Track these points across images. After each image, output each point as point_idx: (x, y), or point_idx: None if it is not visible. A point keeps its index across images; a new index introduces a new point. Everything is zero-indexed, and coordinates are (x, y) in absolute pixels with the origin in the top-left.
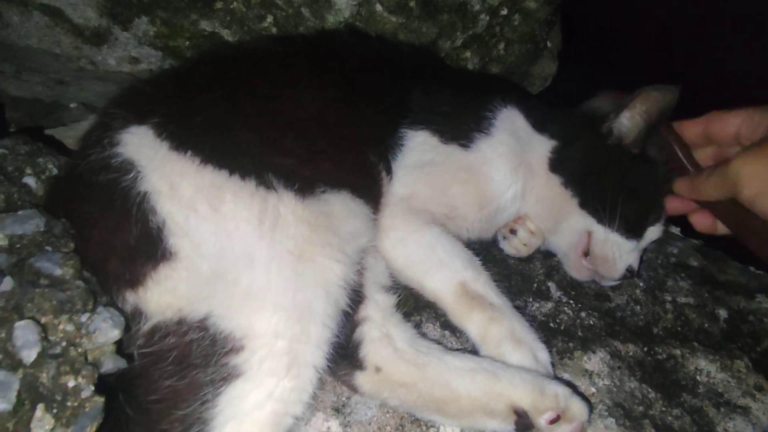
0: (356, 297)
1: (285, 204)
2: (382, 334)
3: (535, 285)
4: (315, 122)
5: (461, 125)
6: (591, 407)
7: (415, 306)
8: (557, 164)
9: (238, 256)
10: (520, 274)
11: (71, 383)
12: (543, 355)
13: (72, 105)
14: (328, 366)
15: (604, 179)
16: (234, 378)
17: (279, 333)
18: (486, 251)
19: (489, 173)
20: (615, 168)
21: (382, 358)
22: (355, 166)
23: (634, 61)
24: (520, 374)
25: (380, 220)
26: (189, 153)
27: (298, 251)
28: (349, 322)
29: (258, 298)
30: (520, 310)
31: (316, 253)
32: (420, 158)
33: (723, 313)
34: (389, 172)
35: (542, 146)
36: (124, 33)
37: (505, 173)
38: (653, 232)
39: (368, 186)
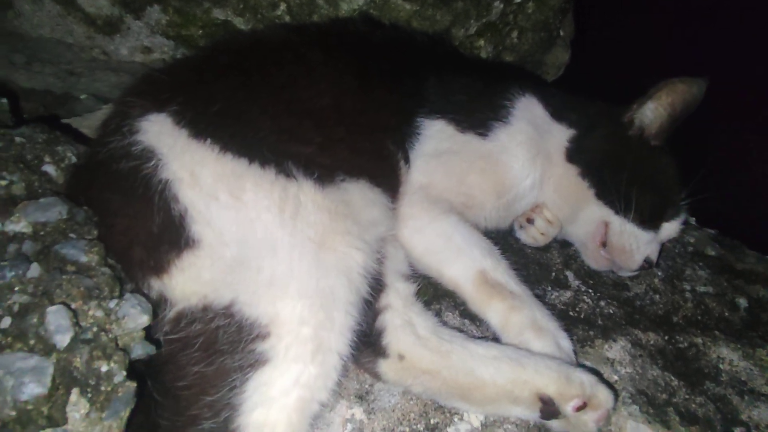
0: (377, 285)
1: (305, 192)
2: (404, 321)
3: (553, 274)
4: (332, 111)
5: (478, 113)
6: (617, 395)
7: (434, 295)
8: (575, 154)
9: (261, 243)
10: (537, 263)
11: (104, 368)
12: (565, 342)
13: (82, 96)
14: (351, 353)
15: (622, 170)
16: (261, 364)
17: (304, 320)
18: (503, 240)
19: (507, 162)
20: (633, 159)
21: (405, 345)
22: (373, 155)
23: (649, 51)
24: (545, 362)
25: (399, 208)
26: (208, 141)
27: (319, 239)
28: (370, 310)
29: (282, 285)
30: (540, 298)
31: (337, 241)
32: (437, 147)
33: (743, 302)
34: (407, 161)
35: (560, 135)
36: (137, 22)
37: (523, 162)
38: (671, 228)
39: (386, 175)
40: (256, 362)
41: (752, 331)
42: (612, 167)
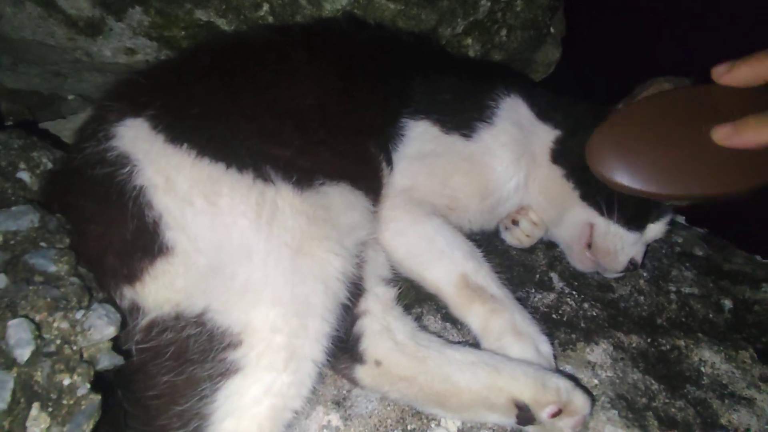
0: (356, 290)
1: (283, 197)
2: (383, 327)
3: (538, 276)
4: (313, 112)
5: (463, 114)
6: (593, 400)
7: (416, 298)
8: (559, 155)
9: (236, 250)
10: (522, 265)
11: (66, 381)
12: (545, 347)
13: (70, 97)
14: (328, 360)
15: None
16: (232, 373)
17: (277, 327)
18: (488, 242)
19: (491, 163)
20: None
21: (382, 351)
22: (354, 157)
23: (641, 48)
24: (522, 367)
25: (380, 211)
26: (185, 146)
27: (296, 245)
28: (348, 315)
29: (256, 293)
30: (522, 301)
31: (315, 246)
32: (421, 148)
33: (728, 304)
34: (390, 163)
35: (546, 136)
36: (119, 23)
37: (507, 164)
38: (657, 229)
39: (368, 177)
40: (227, 371)
41: (736, 333)
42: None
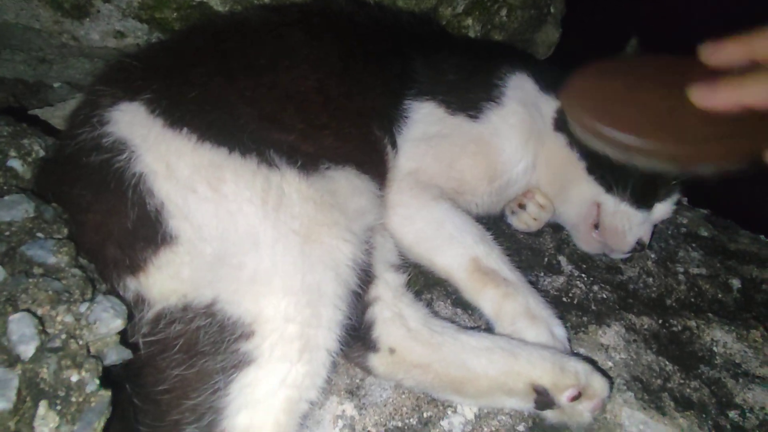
0: (366, 277)
1: (289, 182)
2: (394, 314)
3: (546, 259)
4: (315, 95)
5: (469, 94)
6: (612, 383)
7: (425, 284)
8: (562, 123)
9: (243, 238)
10: (530, 249)
11: (74, 378)
12: (559, 330)
13: (56, 84)
14: (340, 348)
15: None
16: (245, 365)
17: (289, 317)
18: (494, 225)
19: (499, 145)
20: None
21: (395, 338)
22: (359, 141)
23: (640, 29)
24: (539, 351)
25: (387, 196)
26: (185, 130)
27: (304, 231)
28: (359, 303)
29: (266, 282)
30: (533, 285)
31: (323, 233)
32: (426, 130)
33: (736, 283)
34: (395, 146)
35: (549, 107)
36: (107, 5)
37: (516, 145)
38: (664, 209)
39: (373, 161)
40: (240, 363)
41: (746, 313)
42: None
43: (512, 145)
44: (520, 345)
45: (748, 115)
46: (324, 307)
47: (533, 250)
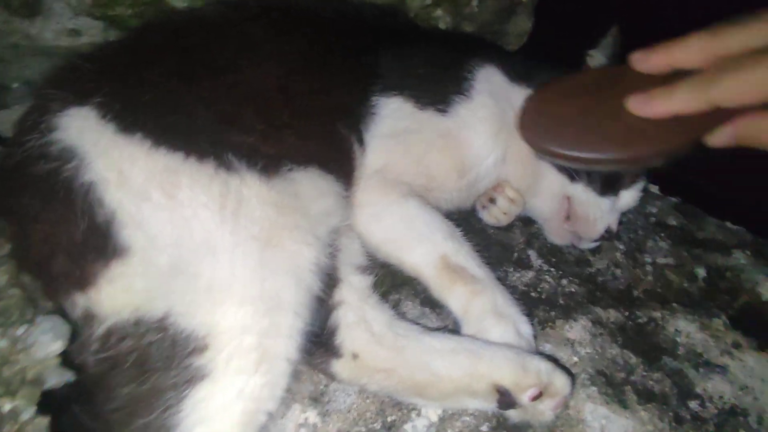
0: (330, 281)
1: (248, 186)
2: (359, 318)
3: (516, 254)
4: (276, 94)
5: (438, 88)
6: (574, 380)
7: (393, 284)
8: None
9: (199, 246)
10: (500, 244)
11: (7, 407)
12: (525, 328)
13: (14, 85)
14: (303, 355)
15: None
16: (199, 380)
17: (246, 327)
18: (465, 221)
19: (468, 139)
20: None
21: (359, 343)
22: (323, 140)
23: (612, 17)
24: (503, 352)
25: (354, 196)
26: (139, 135)
27: (264, 237)
28: (323, 307)
29: (222, 291)
30: (501, 280)
31: (285, 237)
32: (394, 126)
33: (701, 272)
34: (362, 144)
35: (518, 97)
36: (58, 2)
37: (485, 138)
38: (629, 196)
39: (339, 161)
40: (194, 378)
41: (710, 301)
42: None
43: (481, 138)
44: (484, 346)
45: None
46: (284, 315)
47: (503, 245)
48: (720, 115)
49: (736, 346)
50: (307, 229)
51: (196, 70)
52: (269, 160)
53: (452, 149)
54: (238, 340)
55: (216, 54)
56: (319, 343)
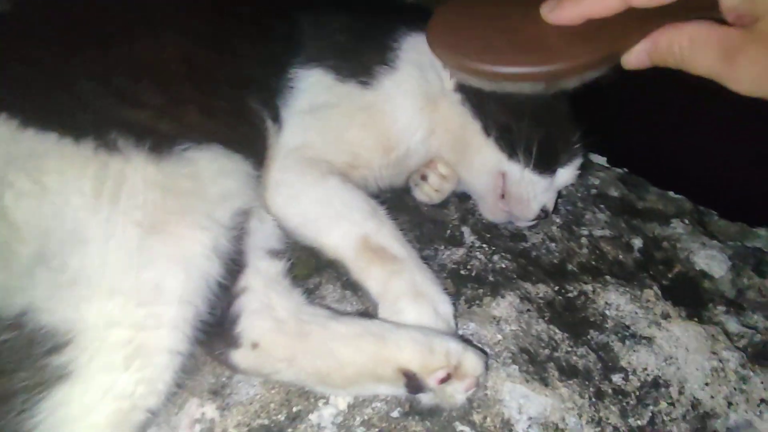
0: (234, 266)
1: (133, 167)
2: (263, 305)
3: (449, 231)
4: (178, 65)
5: (361, 58)
6: (487, 360)
7: (315, 267)
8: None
9: (69, 235)
10: (432, 221)
11: None
12: (444, 307)
13: None
14: (205, 346)
15: (503, 96)
16: (57, 381)
17: (114, 321)
18: (398, 199)
19: (393, 114)
20: None
21: (259, 332)
22: (230, 116)
23: None
24: (410, 334)
25: (269, 175)
26: (3, 115)
27: (148, 222)
28: (226, 295)
29: (89, 284)
30: (430, 259)
31: (173, 222)
32: (313, 101)
33: (638, 243)
34: (277, 120)
35: None
36: None
37: (412, 113)
38: (567, 174)
39: (248, 138)
40: (51, 379)
41: (643, 272)
42: (494, 94)
43: (407, 113)
44: (391, 329)
45: (599, 23)
46: (166, 305)
47: (436, 223)
48: (636, 29)
49: (665, 316)
50: (203, 212)
51: (82, 40)
52: (162, 139)
53: (376, 125)
54: (104, 335)
55: (106, 22)
56: (219, 332)
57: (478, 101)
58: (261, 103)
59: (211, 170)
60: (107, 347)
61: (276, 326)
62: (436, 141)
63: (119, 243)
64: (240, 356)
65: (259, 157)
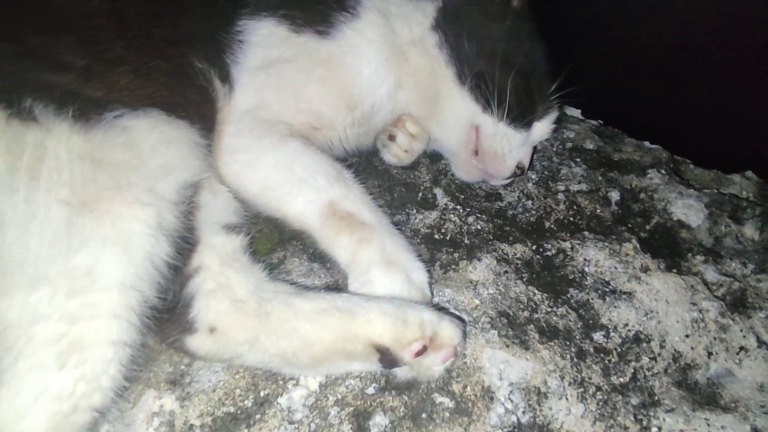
0: (185, 244)
1: (55, 138)
2: (219, 284)
3: (420, 194)
4: (107, 20)
5: (317, 6)
6: (465, 327)
7: (279, 240)
8: (443, 20)
9: None
10: (404, 185)
11: None
12: (418, 275)
13: None
14: (158, 333)
15: (484, 43)
16: None
17: (41, 315)
18: (367, 163)
19: (356, 66)
20: (496, 32)
21: (216, 314)
22: (169, 78)
23: None
24: (380, 307)
25: (221, 142)
26: None
27: (77, 200)
28: (178, 276)
29: (7, 275)
30: (402, 224)
31: (107, 198)
32: (266, 56)
33: (615, 196)
34: (227, 79)
35: (418, 13)
36: None
37: (377, 64)
38: (543, 128)
39: (193, 102)
40: None
41: (621, 225)
42: (473, 37)
43: (371, 64)
44: (359, 302)
45: None
46: (102, 292)
47: (407, 186)
48: None
49: (645, 270)
50: (143, 186)
51: None
52: (89, 105)
53: (337, 79)
54: (31, 331)
55: None
56: (172, 318)
57: (456, 43)
58: (207, 61)
59: (150, 139)
60: (35, 345)
61: (234, 307)
62: (404, 95)
63: (42, 225)
64: (197, 342)
65: (207, 123)
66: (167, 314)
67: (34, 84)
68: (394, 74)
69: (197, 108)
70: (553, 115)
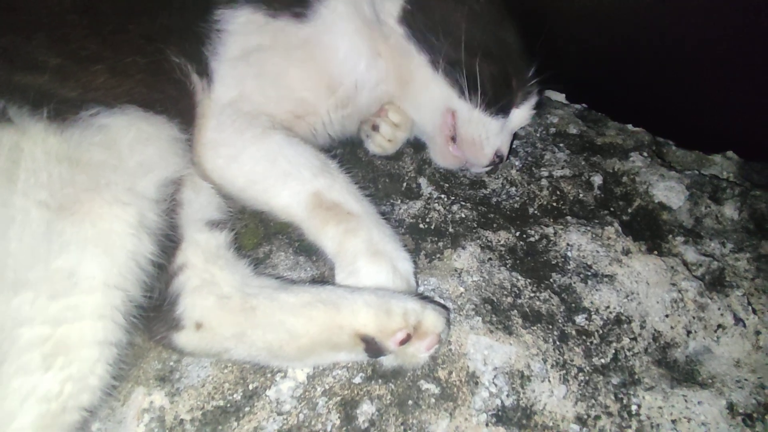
0: (169, 242)
1: (31, 139)
2: (204, 281)
3: (405, 184)
4: (80, 17)
5: None
6: (449, 315)
7: (264, 235)
8: (409, 15)
9: None
10: (388, 175)
11: None
12: (404, 265)
13: None
14: (145, 331)
15: (446, 26)
16: None
17: (24, 319)
18: (351, 154)
19: (333, 44)
20: (456, 11)
21: (202, 311)
22: (147, 74)
23: None
24: (363, 298)
25: (202, 136)
26: None
27: (57, 202)
28: (162, 274)
29: None
30: (387, 214)
31: (86, 199)
32: (245, 44)
33: (597, 180)
34: (205, 72)
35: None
36: None
37: (352, 38)
38: (522, 115)
39: (171, 97)
40: None
41: (604, 209)
42: (437, 23)
43: (347, 39)
44: (345, 294)
45: None
46: (85, 293)
47: (392, 176)
48: None
49: (626, 252)
50: (122, 185)
51: None
52: (64, 105)
53: (316, 59)
54: (15, 335)
55: None
56: (159, 315)
57: (422, 36)
58: (183, 54)
59: (127, 137)
60: (19, 348)
61: (220, 303)
62: (382, 64)
63: (21, 230)
64: (184, 338)
65: (186, 118)
66: (154, 312)
67: (8, 85)
68: (371, 48)
69: (175, 103)
70: (532, 101)
